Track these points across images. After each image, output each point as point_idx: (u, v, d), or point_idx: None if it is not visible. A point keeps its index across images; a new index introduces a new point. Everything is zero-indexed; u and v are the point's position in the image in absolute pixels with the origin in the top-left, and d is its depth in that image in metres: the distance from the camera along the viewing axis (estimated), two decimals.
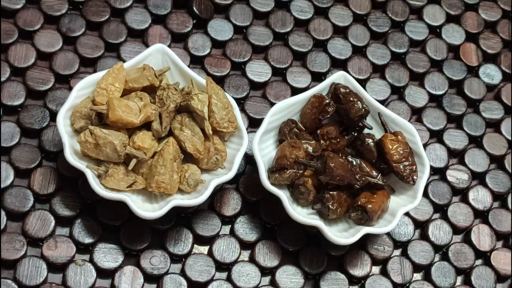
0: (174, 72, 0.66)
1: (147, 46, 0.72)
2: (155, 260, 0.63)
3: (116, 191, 0.60)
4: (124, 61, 0.67)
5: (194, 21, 0.75)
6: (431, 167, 0.71)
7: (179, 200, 0.60)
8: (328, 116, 0.65)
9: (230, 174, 0.61)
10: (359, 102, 0.65)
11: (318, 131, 0.66)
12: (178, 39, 0.74)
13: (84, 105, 0.61)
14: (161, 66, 0.65)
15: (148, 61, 0.65)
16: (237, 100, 0.70)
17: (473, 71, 0.80)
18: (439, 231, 0.70)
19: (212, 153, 0.62)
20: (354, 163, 0.64)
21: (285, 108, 0.66)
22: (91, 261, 0.62)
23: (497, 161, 0.75)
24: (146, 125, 0.61)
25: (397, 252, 0.69)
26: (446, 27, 0.81)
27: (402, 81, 0.77)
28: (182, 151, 0.61)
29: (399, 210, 0.63)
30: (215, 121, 0.62)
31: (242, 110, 0.71)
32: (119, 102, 0.59)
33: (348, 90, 0.66)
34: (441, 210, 0.72)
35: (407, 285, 0.67)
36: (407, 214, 0.70)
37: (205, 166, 0.63)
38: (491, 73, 0.79)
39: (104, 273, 0.62)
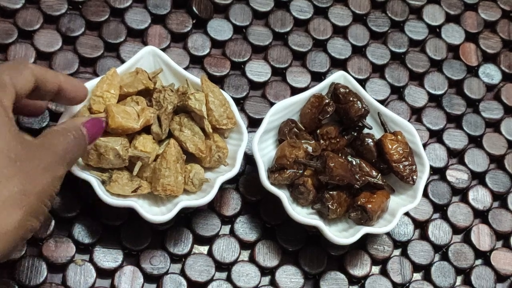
0: (166, 73, 0.65)
1: (146, 46, 0.72)
2: (155, 260, 0.63)
3: (122, 197, 0.59)
4: (123, 61, 0.67)
5: (194, 21, 0.75)
6: (431, 167, 0.71)
7: (186, 201, 0.60)
8: (328, 116, 0.65)
9: (234, 170, 0.61)
10: (358, 102, 0.65)
11: (318, 131, 0.66)
12: (178, 39, 0.74)
13: (82, 115, 0.61)
14: (153, 68, 0.65)
15: (140, 64, 0.64)
16: (237, 100, 0.70)
17: (472, 71, 0.80)
18: (439, 231, 0.70)
19: (214, 151, 0.62)
20: (354, 163, 0.64)
21: (285, 108, 0.66)
22: (91, 261, 0.62)
23: (497, 161, 0.75)
24: (145, 129, 0.61)
25: (397, 252, 0.69)
26: (446, 27, 0.81)
27: (401, 81, 0.77)
28: (184, 151, 0.61)
29: (399, 210, 0.63)
30: (214, 119, 0.62)
31: (242, 110, 0.71)
32: (117, 108, 0.58)
33: (347, 90, 0.66)
34: (441, 210, 0.72)
35: (407, 285, 0.67)
36: (407, 214, 0.70)
37: (208, 164, 0.62)
38: (490, 73, 0.79)
39: (104, 273, 0.62)
